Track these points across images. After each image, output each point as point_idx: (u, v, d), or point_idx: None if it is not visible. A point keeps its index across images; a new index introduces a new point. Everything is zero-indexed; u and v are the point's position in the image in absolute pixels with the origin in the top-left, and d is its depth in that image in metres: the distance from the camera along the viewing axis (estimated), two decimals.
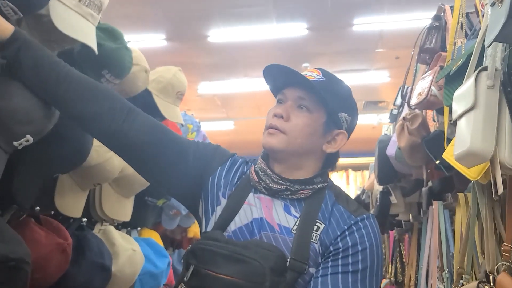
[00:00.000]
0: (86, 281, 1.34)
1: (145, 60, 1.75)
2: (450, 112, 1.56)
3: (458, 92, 1.18)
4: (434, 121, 2.11)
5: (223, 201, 1.08)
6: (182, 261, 1.00)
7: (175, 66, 2.10)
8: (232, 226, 1.05)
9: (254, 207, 1.06)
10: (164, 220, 2.28)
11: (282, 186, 1.05)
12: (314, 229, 1.01)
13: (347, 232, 1.01)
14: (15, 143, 1.07)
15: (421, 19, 4.83)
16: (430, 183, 2.31)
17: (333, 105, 1.08)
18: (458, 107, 1.15)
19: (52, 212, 1.34)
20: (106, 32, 1.51)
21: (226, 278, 0.92)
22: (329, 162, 1.13)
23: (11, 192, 1.12)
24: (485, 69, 1.07)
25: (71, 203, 1.39)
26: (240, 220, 1.05)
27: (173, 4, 4.66)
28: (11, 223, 1.19)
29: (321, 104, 1.06)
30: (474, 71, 1.12)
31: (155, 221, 2.17)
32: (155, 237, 2.15)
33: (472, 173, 1.29)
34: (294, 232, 1.01)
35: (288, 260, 0.97)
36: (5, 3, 1.13)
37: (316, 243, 1.00)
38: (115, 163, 1.44)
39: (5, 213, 1.21)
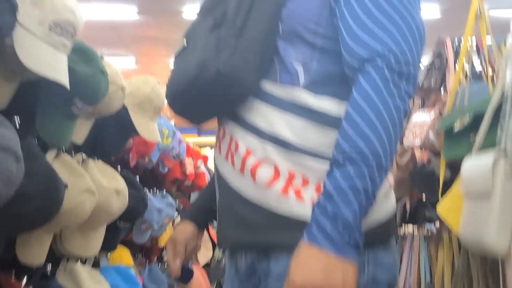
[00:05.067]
0: None
1: (121, 77, 1.57)
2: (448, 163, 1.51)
3: (470, 164, 1.10)
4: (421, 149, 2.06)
5: None
6: None
7: (151, 76, 1.95)
8: None
9: None
10: (135, 233, 2.14)
11: None
12: None
13: None
14: None
15: None
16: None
17: None
18: (469, 184, 1.07)
19: (13, 271, 1.19)
20: (78, 53, 1.33)
21: None
22: None
23: None
24: (504, 153, 0.98)
25: (34, 251, 1.24)
26: None
27: None
28: None
29: None
30: (486, 144, 1.04)
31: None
32: (125, 254, 2.02)
33: None
34: None
35: None
36: None
37: None
38: (87, 206, 1.29)
39: None
